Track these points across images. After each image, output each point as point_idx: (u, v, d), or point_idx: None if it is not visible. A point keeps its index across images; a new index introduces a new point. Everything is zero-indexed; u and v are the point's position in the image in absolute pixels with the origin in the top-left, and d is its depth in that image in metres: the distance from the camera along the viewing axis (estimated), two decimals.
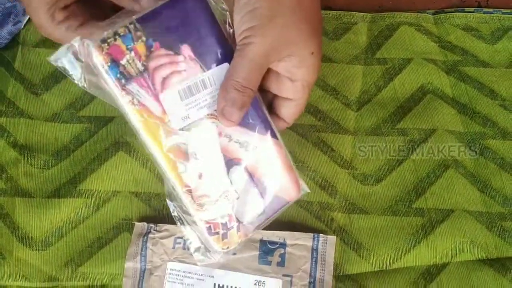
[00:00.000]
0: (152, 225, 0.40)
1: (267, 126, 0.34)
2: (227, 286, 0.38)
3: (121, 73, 0.31)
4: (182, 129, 0.33)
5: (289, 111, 0.34)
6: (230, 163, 0.34)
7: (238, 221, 0.35)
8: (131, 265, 0.39)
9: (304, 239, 0.40)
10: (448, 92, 0.45)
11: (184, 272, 0.39)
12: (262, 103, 0.34)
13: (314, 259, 0.39)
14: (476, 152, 0.43)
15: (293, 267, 0.39)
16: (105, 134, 0.43)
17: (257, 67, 0.30)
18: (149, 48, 0.31)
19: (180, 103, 0.32)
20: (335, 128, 0.44)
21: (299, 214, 0.41)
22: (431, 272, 0.39)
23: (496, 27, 0.48)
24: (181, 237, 0.40)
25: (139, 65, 0.31)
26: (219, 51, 0.32)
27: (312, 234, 0.40)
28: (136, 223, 0.41)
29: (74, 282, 0.40)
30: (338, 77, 0.45)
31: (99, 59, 0.31)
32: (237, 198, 0.35)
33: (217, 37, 0.32)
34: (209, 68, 0.32)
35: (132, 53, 0.31)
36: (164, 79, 0.32)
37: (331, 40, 0.47)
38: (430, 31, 0.48)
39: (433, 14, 0.49)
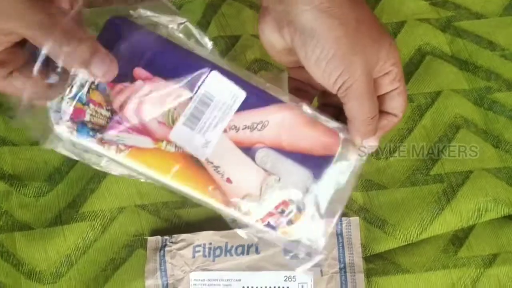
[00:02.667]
0: (166, 237, 0.38)
1: (265, 96, 0.32)
2: (257, 287, 0.37)
3: (92, 130, 0.29)
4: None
5: (397, 103, 0.31)
6: (252, 151, 0.31)
7: (293, 200, 0.32)
8: (152, 282, 0.37)
9: None
10: (446, 50, 0.43)
11: (209, 280, 0.37)
12: (250, 76, 0.32)
13: (340, 244, 0.38)
14: (484, 108, 0.42)
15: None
16: None
17: (369, 95, 0.29)
18: (103, 91, 0.29)
19: (193, 133, 0.30)
20: None
21: None
22: (459, 237, 0.39)
23: None
24: (199, 245, 0.38)
25: (104, 112, 0.29)
26: (181, 59, 0.30)
27: None
28: (149, 238, 0.38)
29: None
30: None
31: (63, 129, 0.29)
32: (279, 181, 0.32)
33: (170, 47, 0.30)
34: (180, 76, 0.30)
35: (91, 105, 0.29)
36: (137, 110, 0.29)
37: None
38: None
39: None
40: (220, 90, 0.30)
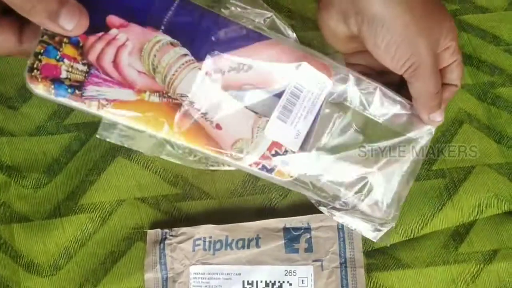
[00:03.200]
0: (166, 230, 0.38)
1: (250, 34, 0.30)
2: (257, 281, 0.37)
3: (70, 86, 0.28)
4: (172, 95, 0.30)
5: (456, 73, 0.33)
6: (240, 94, 0.30)
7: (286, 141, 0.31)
8: (151, 275, 0.37)
9: (328, 220, 0.38)
10: None
11: (209, 274, 0.37)
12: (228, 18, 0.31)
13: (341, 239, 0.38)
14: (488, 103, 0.41)
15: (322, 251, 0.37)
16: (97, 140, 0.40)
17: (435, 73, 0.30)
18: (76, 44, 0.28)
19: (285, 125, 0.30)
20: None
21: None
22: (460, 232, 0.39)
23: None
24: (200, 239, 0.37)
25: (80, 67, 0.28)
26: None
27: None
28: (149, 231, 0.38)
29: None
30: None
31: (40, 89, 0.28)
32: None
33: None
34: (159, 20, 0.28)
35: (66, 61, 0.28)
36: (114, 62, 0.28)
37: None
38: None
39: None
40: (308, 80, 0.30)
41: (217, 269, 0.37)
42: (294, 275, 0.37)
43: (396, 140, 0.34)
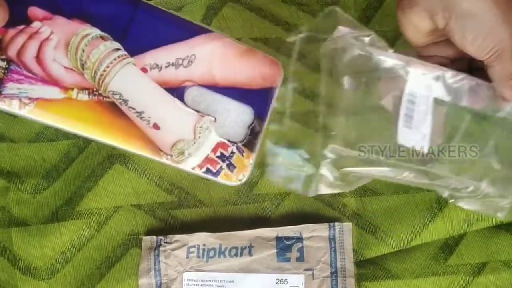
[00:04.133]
0: (161, 237, 0.39)
1: (187, 27, 0.28)
2: None
3: None
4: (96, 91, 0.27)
5: None
6: (180, 91, 0.28)
7: (234, 142, 0.29)
8: (146, 281, 0.38)
9: (320, 230, 0.39)
10: None
11: (202, 281, 0.38)
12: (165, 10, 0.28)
13: (333, 249, 0.38)
14: (479, 117, 0.42)
15: (313, 260, 0.38)
16: (95, 148, 0.41)
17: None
18: None
19: (411, 131, 0.30)
20: (334, 110, 0.42)
21: (310, 204, 0.40)
22: (450, 245, 0.39)
23: None
24: (193, 246, 0.38)
25: None
26: None
27: (327, 224, 0.39)
28: (144, 237, 0.39)
29: None
30: None
31: None
32: (215, 121, 0.29)
33: None
34: (88, 12, 0.26)
35: None
36: (37, 57, 0.26)
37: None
38: None
39: None
40: (417, 85, 0.30)
41: (210, 276, 0.38)
42: (286, 284, 0.37)
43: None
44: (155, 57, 0.28)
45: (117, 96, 0.28)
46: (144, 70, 0.27)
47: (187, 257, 0.38)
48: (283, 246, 0.38)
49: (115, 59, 0.27)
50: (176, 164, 0.29)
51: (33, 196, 0.40)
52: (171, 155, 0.28)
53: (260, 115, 0.29)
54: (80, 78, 0.27)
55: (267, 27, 0.43)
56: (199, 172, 0.30)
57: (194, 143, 0.29)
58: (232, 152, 0.29)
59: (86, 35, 0.27)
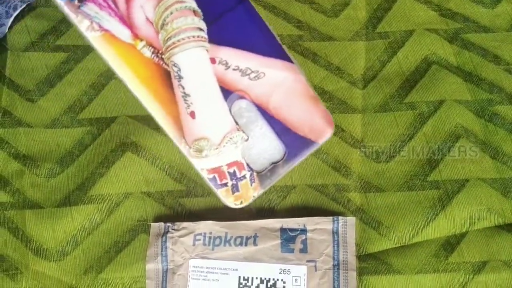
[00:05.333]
0: (169, 224, 0.40)
1: (275, 46, 0.27)
2: (253, 278, 0.38)
3: None
4: (162, 55, 0.27)
5: None
6: (232, 97, 0.28)
7: (251, 169, 0.29)
8: (153, 266, 0.39)
9: (324, 223, 0.39)
10: (452, 61, 0.44)
11: (207, 268, 0.39)
12: (263, 21, 0.28)
13: (335, 242, 0.39)
14: (485, 119, 0.43)
15: (316, 252, 0.39)
16: (109, 135, 0.42)
17: None
18: None
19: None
20: (342, 108, 0.43)
21: (315, 198, 0.41)
22: (451, 243, 0.40)
23: None
24: (200, 234, 0.39)
25: None
26: None
27: (331, 217, 0.39)
28: (152, 224, 0.40)
29: None
30: (341, 55, 0.45)
31: None
32: (246, 140, 0.28)
33: None
34: None
35: None
36: None
37: (330, 17, 0.46)
38: None
39: None
40: None
41: (215, 263, 0.39)
42: (288, 274, 0.38)
43: None
44: (229, 55, 0.27)
45: (175, 69, 0.27)
46: (213, 60, 0.27)
47: (194, 245, 0.39)
48: (287, 237, 0.39)
49: (193, 36, 0.27)
50: (190, 157, 0.29)
51: (47, 180, 0.41)
52: (190, 148, 0.28)
53: (289, 159, 0.29)
54: (153, 35, 0.26)
55: (279, 25, 0.44)
56: (205, 175, 0.29)
57: (216, 148, 0.28)
58: (244, 176, 0.29)
59: (182, 1, 0.27)
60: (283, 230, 0.39)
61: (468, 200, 0.40)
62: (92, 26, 0.27)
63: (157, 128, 0.42)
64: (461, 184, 0.41)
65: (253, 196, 0.29)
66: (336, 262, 0.39)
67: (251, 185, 0.29)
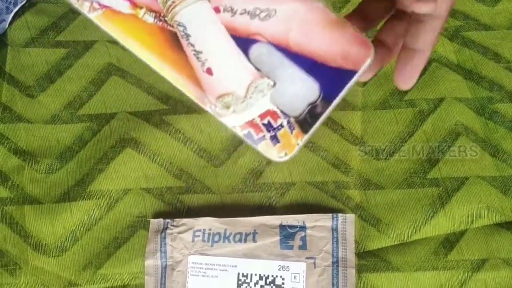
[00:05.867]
0: (168, 220, 0.40)
1: None
2: (252, 274, 0.38)
3: None
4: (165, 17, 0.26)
5: (427, 35, 0.26)
6: (246, 43, 0.26)
7: (287, 115, 0.26)
8: (152, 262, 0.39)
9: (323, 220, 0.39)
10: (452, 59, 0.44)
11: (206, 264, 0.39)
12: None
13: (335, 239, 0.39)
14: (485, 117, 0.43)
15: (315, 249, 0.39)
16: (108, 131, 0.42)
17: None
18: None
19: None
20: (342, 105, 0.43)
21: (315, 195, 0.41)
22: (450, 240, 0.40)
23: None
24: (199, 230, 0.39)
25: None
26: None
27: (331, 214, 0.39)
28: (152, 220, 0.40)
29: (94, 285, 0.39)
30: None
31: None
32: (273, 86, 0.26)
33: None
34: None
35: None
36: None
37: None
38: None
39: None
40: None
41: (214, 260, 0.39)
42: (287, 271, 0.38)
43: None
44: (233, 0, 0.25)
45: (181, 28, 0.26)
46: (217, 10, 0.25)
47: (193, 241, 0.39)
48: (287, 234, 0.39)
49: None
50: (218, 117, 0.26)
51: (47, 175, 0.41)
52: (215, 106, 0.26)
53: (327, 97, 0.25)
54: (152, 0, 0.26)
55: None
56: (239, 133, 0.27)
57: (243, 101, 0.26)
58: (281, 125, 0.26)
59: None
60: (282, 227, 0.39)
61: (468, 198, 0.40)
62: (93, 7, 0.26)
63: (156, 124, 0.42)
64: (461, 182, 0.41)
65: (297, 144, 0.26)
66: (335, 259, 0.39)
67: (291, 132, 0.26)
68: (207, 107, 0.26)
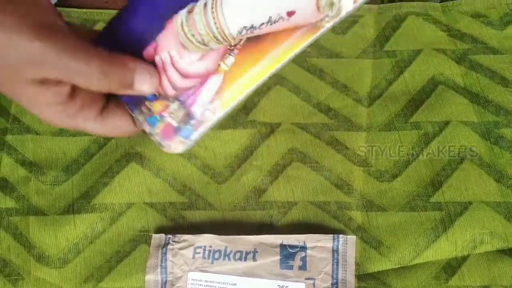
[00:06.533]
0: (170, 236, 0.40)
1: None
2: None
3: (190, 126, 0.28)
4: None
5: None
6: None
7: None
8: (152, 277, 0.39)
9: (324, 241, 0.39)
10: (459, 82, 0.44)
11: (206, 281, 0.39)
12: None
13: (335, 260, 0.39)
14: (491, 142, 0.42)
15: (315, 270, 0.39)
16: (114, 145, 0.43)
17: None
18: (157, 98, 0.28)
19: None
20: (347, 125, 0.43)
21: (316, 215, 0.41)
22: (452, 265, 0.40)
23: (505, 12, 0.47)
24: (200, 247, 0.39)
25: (174, 106, 0.28)
26: None
27: (332, 235, 0.39)
28: (154, 235, 0.40)
29: None
30: (348, 73, 0.45)
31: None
32: None
33: None
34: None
35: (165, 114, 0.28)
36: (179, 73, 0.28)
37: (338, 34, 0.46)
38: (438, 20, 0.47)
39: (440, 2, 0.48)
40: None
41: (214, 277, 0.39)
42: None
43: None
44: None
45: (243, 35, 0.26)
46: None
47: (193, 257, 0.39)
48: (287, 254, 0.39)
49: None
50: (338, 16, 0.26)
51: (52, 187, 0.42)
52: (327, 15, 0.25)
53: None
54: (215, 53, 0.27)
55: None
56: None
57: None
58: None
59: (181, 23, 0.27)
60: (283, 246, 0.39)
61: (471, 223, 0.40)
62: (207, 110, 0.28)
63: None
64: (464, 206, 0.40)
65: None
66: (335, 281, 0.39)
67: None
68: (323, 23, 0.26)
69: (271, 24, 0.26)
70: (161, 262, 0.39)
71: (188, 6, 0.26)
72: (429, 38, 0.46)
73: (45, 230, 0.40)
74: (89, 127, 0.28)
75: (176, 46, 0.27)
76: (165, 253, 0.40)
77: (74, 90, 0.26)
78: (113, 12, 0.49)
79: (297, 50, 0.27)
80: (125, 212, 0.41)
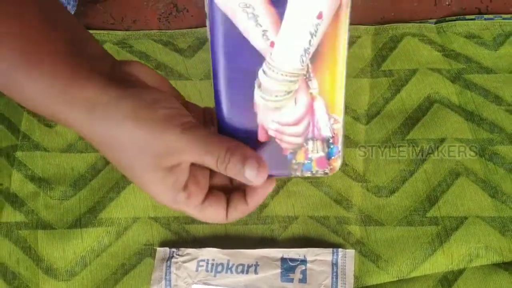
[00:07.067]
0: (174, 249, 0.41)
1: None
2: None
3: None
4: None
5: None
6: None
7: None
8: None
9: (324, 255, 0.40)
10: (454, 101, 0.46)
11: None
12: None
13: (334, 274, 0.40)
14: (485, 158, 0.44)
15: (315, 283, 0.40)
16: None
17: None
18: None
19: None
20: (346, 142, 0.44)
21: (316, 229, 0.42)
22: (448, 279, 0.40)
23: (498, 33, 0.49)
24: (203, 260, 0.41)
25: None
26: None
27: (331, 249, 0.41)
28: (158, 248, 0.41)
29: None
30: (346, 92, 0.46)
31: None
32: None
33: None
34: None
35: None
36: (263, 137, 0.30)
37: None
38: (433, 40, 0.49)
39: (435, 23, 0.50)
40: None
41: None
42: None
43: None
44: None
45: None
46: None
47: (197, 270, 0.41)
48: (287, 267, 0.40)
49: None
50: None
51: (60, 202, 0.43)
52: None
53: None
54: (301, 89, 0.28)
55: None
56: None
57: None
58: None
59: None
60: (283, 260, 0.40)
61: (466, 238, 0.41)
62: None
63: None
64: (460, 221, 0.41)
65: None
66: None
67: None
68: None
69: (315, 36, 0.27)
70: (166, 275, 0.41)
71: (256, 81, 0.28)
72: (425, 58, 0.47)
73: (53, 244, 0.42)
74: (188, 212, 0.30)
75: (273, 114, 0.29)
76: (169, 266, 0.41)
77: (188, 182, 0.29)
78: (120, 33, 0.51)
79: (345, 26, 0.28)
80: (131, 226, 0.42)
